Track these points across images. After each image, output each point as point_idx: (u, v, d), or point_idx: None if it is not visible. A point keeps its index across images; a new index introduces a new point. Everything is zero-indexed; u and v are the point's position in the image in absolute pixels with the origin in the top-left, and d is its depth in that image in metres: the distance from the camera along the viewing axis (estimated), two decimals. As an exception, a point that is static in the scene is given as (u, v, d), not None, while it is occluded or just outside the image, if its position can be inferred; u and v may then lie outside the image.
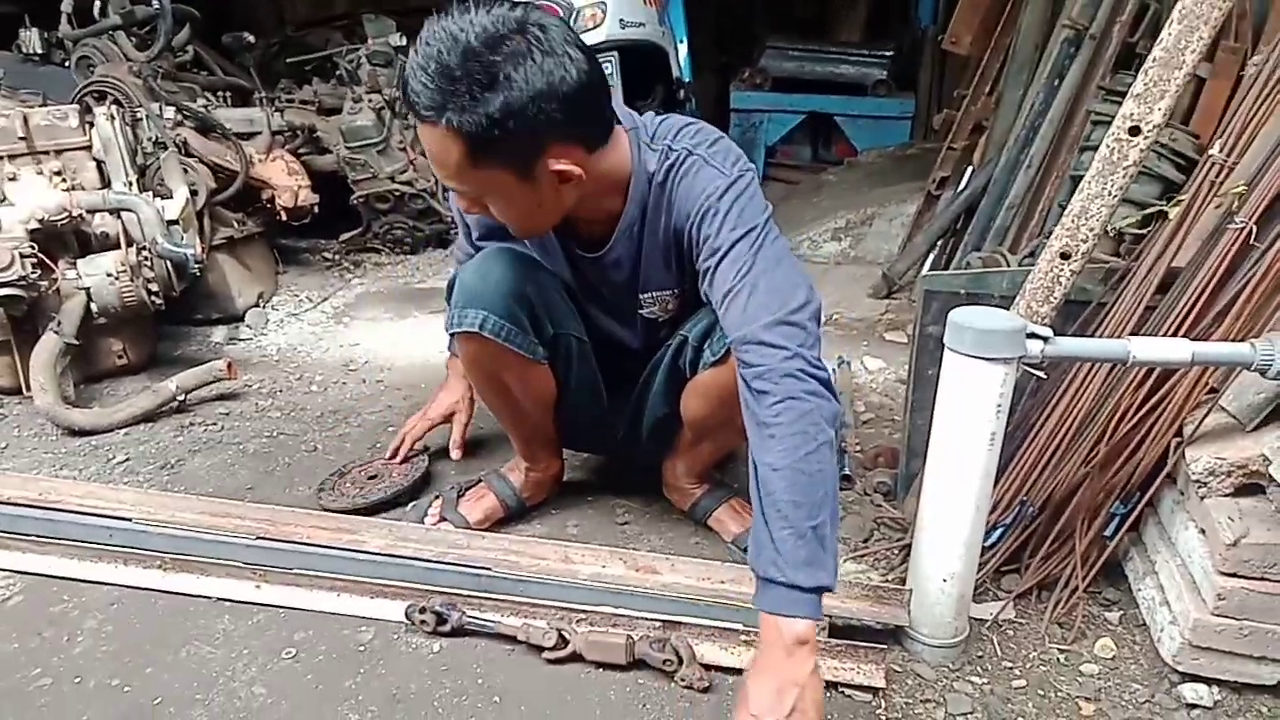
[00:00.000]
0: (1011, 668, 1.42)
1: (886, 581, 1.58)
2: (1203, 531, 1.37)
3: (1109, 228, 1.83)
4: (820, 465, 1.18)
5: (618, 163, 1.37)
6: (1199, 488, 1.36)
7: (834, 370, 2.42)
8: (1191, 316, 1.44)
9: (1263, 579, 1.29)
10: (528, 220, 1.38)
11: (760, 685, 1.13)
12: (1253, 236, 1.41)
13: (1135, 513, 1.49)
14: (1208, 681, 1.36)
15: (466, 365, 1.65)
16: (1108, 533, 1.51)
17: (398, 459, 1.92)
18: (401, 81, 1.24)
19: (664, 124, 1.42)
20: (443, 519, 1.74)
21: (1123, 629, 1.49)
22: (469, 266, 1.54)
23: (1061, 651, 1.45)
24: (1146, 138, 1.45)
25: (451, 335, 1.77)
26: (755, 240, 1.30)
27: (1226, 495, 1.35)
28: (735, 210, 1.32)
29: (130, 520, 1.62)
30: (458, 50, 1.14)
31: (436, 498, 1.81)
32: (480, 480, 1.82)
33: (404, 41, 3.51)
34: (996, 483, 1.50)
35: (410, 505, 1.84)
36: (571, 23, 3.03)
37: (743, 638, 1.40)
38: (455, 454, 1.95)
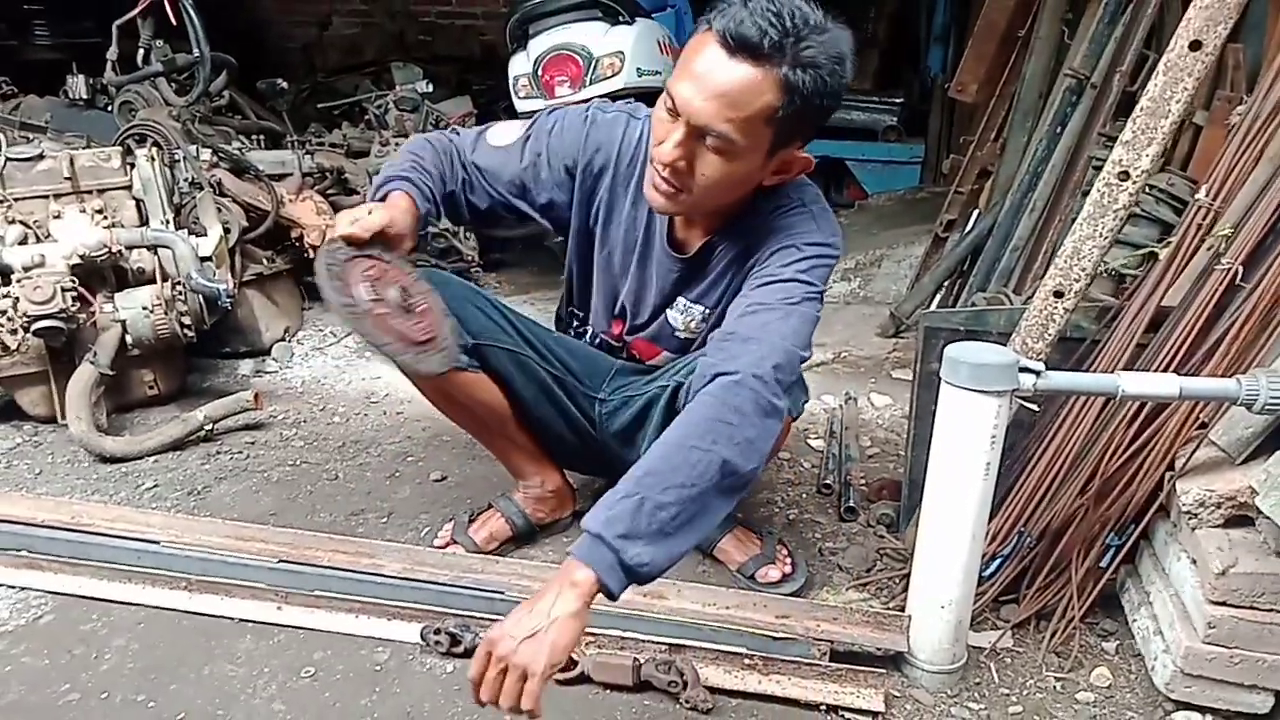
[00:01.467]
0: (1009, 695, 1.45)
1: (888, 609, 1.61)
2: (1194, 562, 1.40)
3: (1107, 269, 1.89)
4: (698, 463, 1.17)
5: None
6: (1190, 519, 1.40)
7: (839, 406, 2.48)
8: (1181, 354, 1.49)
9: (1252, 608, 1.33)
10: (723, 189, 1.36)
11: (516, 609, 1.13)
12: (1238, 277, 1.46)
13: (1130, 544, 1.53)
14: (1201, 710, 1.39)
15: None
16: (1103, 563, 1.54)
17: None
18: (734, 18, 1.20)
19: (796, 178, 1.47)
20: (453, 541, 1.80)
21: (1119, 658, 1.52)
22: None
23: (1058, 680, 1.48)
24: (1135, 182, 1.52)
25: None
26: (809, 293, 1.38)
27: (1216, 526, 1.39)
28: (810, 263, 1.40)
29: (158, 543, 1.68)
30: (805, 16, 1.20)
31: (449, 520, 1.87)
32: (489, 504, 1.87)
33: (430, 88, 3.64)
34: (995, 514, 1.55)
35: (425, 530, 1.90)
36: (592, 72, 3.14)
37: (746, 661, 1.44)
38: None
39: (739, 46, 1.20)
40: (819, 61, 1.21)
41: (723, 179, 1.32)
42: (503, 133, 1.60)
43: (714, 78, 1.22)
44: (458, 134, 1.61)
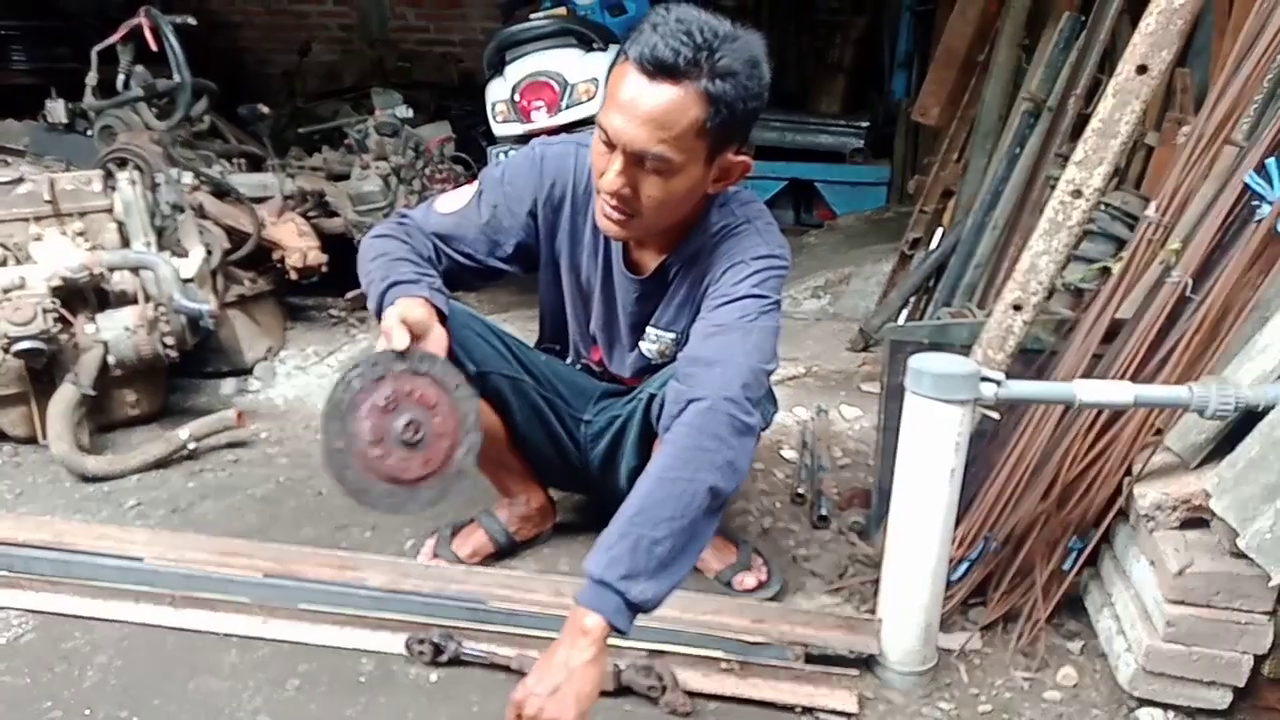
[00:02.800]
0: (978, 694, 1.50)
1: (860, 613, 1.66)
2: (1152, 563, 1.46)
3: (1065, 284, 1.96)
4: (683, 493, 1.24)
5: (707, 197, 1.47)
6: (1148, 522, 1.46)
7: (811, 419, 2.53)
8: (1135, 363, 1.56)
9: (1208, 606, 1.38)
10: (671, 206, 1.40)
11: (535, 665, 1.20)
12: (1188, 290, 1.53)
13: (1091, 547, 1.58)
14: (1163, 706, 1.44)
15: None
16: (1066, 566, 1.60)
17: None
18: (646, 45, 1.25)
19: (738, 193, 1.53)
20: (436, 555, 1.83)
21: (1084, 658, 1.58)
22: None
23: (1026, 679, 1.52)
24: (1087, 200, 1.59)
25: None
26: (765, 307, 1.42)
27: (1173, 528, 1.44)
28: (761, 276, 1.44)
29: (141, 560, 1.68)
30: (714, 29, 1.25)
31: (433, 534, 1.90)
32: (473, 519, 1.90)
33: (409, 113, 3.67)
34: (961, 520, 1.60)
35: (409, 543, 1.93)
36: (567, 97, 3.20)
37: (724, 665, 1.48)
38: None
39: (657, 69, 1.25)
40: (735, 69, 1.26)
41: (669, 196, 1.37)
42: (450, 199, 1.61)
43: (640, 103, 1.27)
44: (406, 215, 1.60)
